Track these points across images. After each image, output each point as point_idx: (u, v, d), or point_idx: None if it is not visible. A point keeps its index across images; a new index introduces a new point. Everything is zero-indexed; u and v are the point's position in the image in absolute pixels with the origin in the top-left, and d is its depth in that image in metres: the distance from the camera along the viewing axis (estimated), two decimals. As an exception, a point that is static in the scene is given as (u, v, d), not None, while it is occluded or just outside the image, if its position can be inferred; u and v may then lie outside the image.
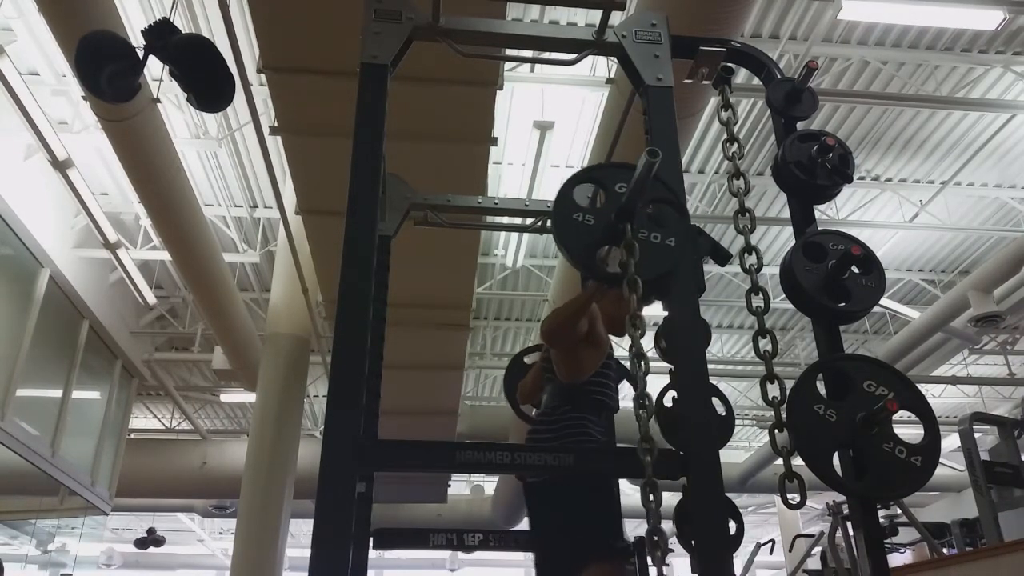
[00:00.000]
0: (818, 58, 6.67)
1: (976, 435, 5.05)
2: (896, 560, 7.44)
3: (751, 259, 1.88)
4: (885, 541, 6.11)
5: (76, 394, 8.10)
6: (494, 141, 4.75)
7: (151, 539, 14.58)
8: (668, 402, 2.71)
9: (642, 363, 1.59)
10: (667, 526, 1.49)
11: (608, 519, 2.43)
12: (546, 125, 6.49)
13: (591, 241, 1.69)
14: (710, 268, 8.68)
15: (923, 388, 2.77)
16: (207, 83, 3.48)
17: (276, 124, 4.52)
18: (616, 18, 1.97)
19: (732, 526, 2.42)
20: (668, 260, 1.70)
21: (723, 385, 9.94)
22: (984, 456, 4.94)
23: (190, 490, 11.89)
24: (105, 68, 3.33)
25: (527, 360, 3.25)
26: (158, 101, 5.22)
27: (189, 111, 7.05)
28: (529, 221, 3.06)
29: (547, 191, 7.50)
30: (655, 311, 1.74)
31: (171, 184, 5.89)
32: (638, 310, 1.62)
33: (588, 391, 2.61)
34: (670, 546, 1.47)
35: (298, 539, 16.13)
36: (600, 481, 2.42)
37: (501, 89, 4.41)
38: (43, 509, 9.46)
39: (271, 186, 5.73)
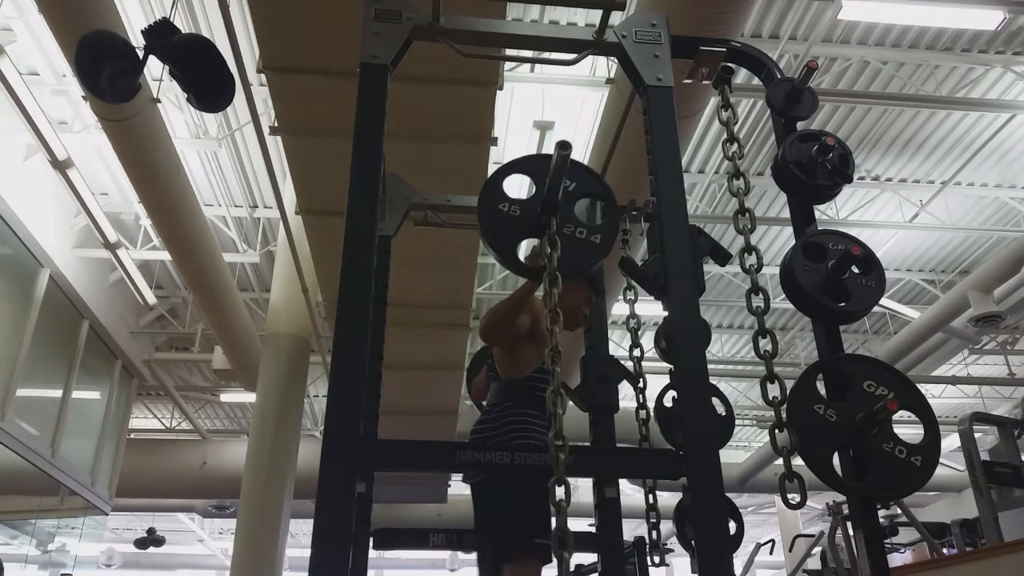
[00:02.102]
0: (818, 58, 6.67)
1: (976, 435, 5.05)
2: (896, 560, 7.45)
3: (751, 259, 1.88)
4: (885, 541, 6.11)
5: (76, 394, 8.10)
6: (494, 141, 4.74)
7: (151, 539, 14.59)
8: (668, 402, 2.72)
9: (558, 360, 1.56)
10: (667, 526, 1.49)
11: (531, 517, 2.44)
12: (546, 125, 6.49)
13: (514, 232, 1.70)
14: (710, 268, 8.68)
15: (923, 388, 2.77)
16: (207, 83, 3.48)
17: (276, 124, 4.52)
18: (616, 18, 1.97)
19: (732, 526, 2.42)
20: (591, 256, 1.71)
21: (723, 385, 9.94)
22: (984, 456, 4.94)
23: (190, 490, 11.89)
24: (105, 68, 3.33)
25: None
26: (158, 101, 5.22)
27: (189, 111, 7.05)
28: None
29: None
30: (655, 311, 1.75)
31: (171, 184, 5.89)
32: (557, 304, 1.60)
33: (529, 387, 2.61)
34: (670, 546, 1.47)
35: (298, 539, 16.13)
36: (527, 480, 2.42)
37: (501, 89, 4.40)
38: (43, 509, 9.45)
39: (271, 186, 5.73)
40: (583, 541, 2.85)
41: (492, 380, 2.72)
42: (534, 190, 1.78)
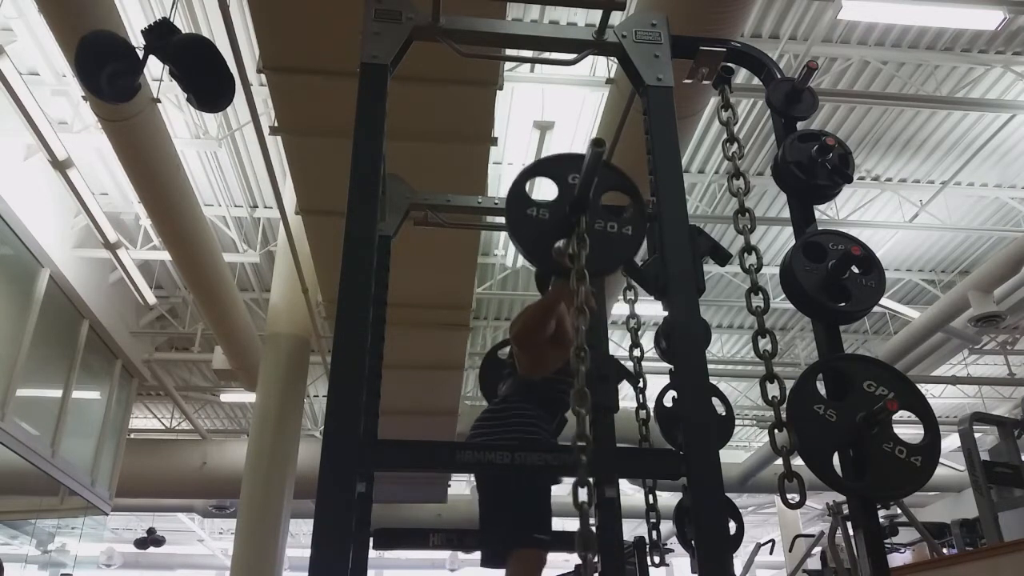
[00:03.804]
0: (818, 58, 6.67)
1: (976, 435, 5.05)
2: (896, 560, 7.45)
3: (751, 259, 1.88)
4: (885, 541, 6.10)
5: (76, 394, 8.09)
6: (494, 141, 4.74)
7: (151, 539, 14.59)
8: (668, 402, 2.72)
9: (584, 360, 1.57)
10: (667, 526, 1.49)
11: (533, 511, 2.46)
12: (546, 125, 6.49)
13: (545, 235, 1.70)
14: (710, 268, 8.68)
15: (923, 388, 2.77)
16: (207, 83, 3.48)
17: (276, 124, 4.52)
18: (616, 18, 1.97)
19: (732, 526, 2.42)
20: (625, 249, 1.71)
21: (723, 385, 9.94)
22: (984, 456, 4.94)
23: (190, 490, 11.89)
24: (105, 68, 3.33)
25: (501, 355, 3.24)
26: (158, 101, 5.22)
27: (189, 111, 7.05)
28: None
29: (547, 191, 7.49)
30: (655, 311, 1.75)
31: (171, 184, 5.89)
32: (586, 301, 1.60)
33: (545, 388, 2.62)
34: (670, 546, 1.46)
35: (298, 539, 16.13)
36: (529, 477, 2.44)
37: (501, 89, 4.40)
38: (43, 509, 9.46)
39: (271, 186, 5.73)
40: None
41: (508, 376, 2.71)
42: (555, 191, 1.78)
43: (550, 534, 2.50)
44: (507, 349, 3.07)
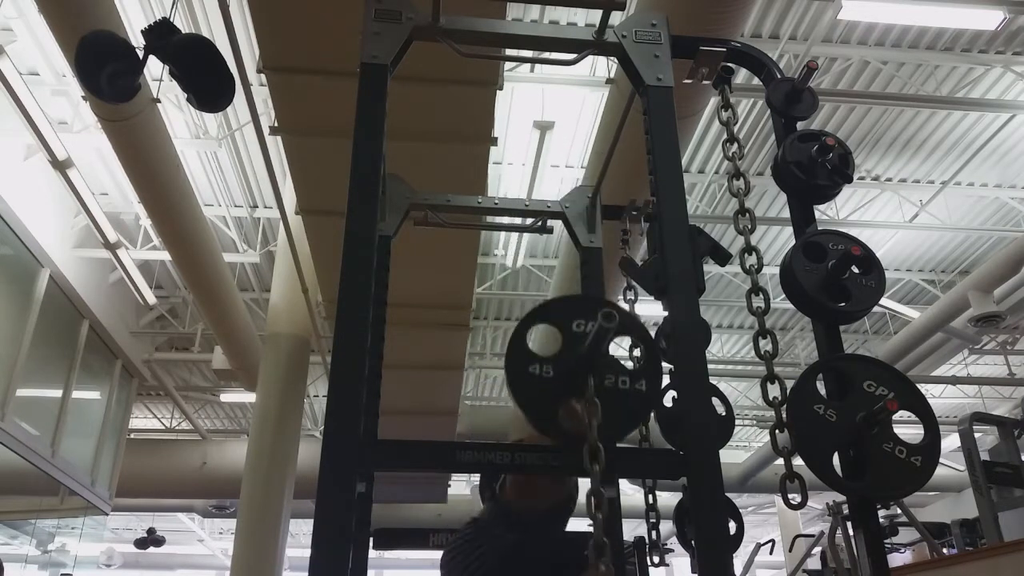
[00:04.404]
0: (818, 58, 6.67)
1: (976, 435, 5.05)
2: (896, 560, 7.45)
3: (751, 259, 1.88)
4: (885, 541, 6.10)
5: (76, 394, 8.10)
6: (494, 141, 4.74)
7: (151, 539, 14.60)
8: (668, 402, 2.71)
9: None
10: (667, 526, 1.49)
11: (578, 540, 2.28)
12: (546, 125, 6.49)
13: (551, 397, 1.50)
14: (710, 268, 8.68)
15: (923, 388, 2.77)
16: (207, 83, 3.48)
17: (276, 124, 4.52)
18: (616, 18, 1.97)
19: (732, 526, 2.42)
20: (639, 409, 1.55)
21: (723, 385, 9.94)
22: (984, 456, 4.94)
23: (190, 490, 11.89)
24: (105, 68, 3.33)
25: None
26: (158, 101, 5.22)
27: (189, 111, 7.06)
28: (529, 221, 3.06)
29: (547, 191, 7.50)
30: (655, 311, 1.74)
31: (171, 184, 5.89)
32: (600, 485, 1.39)
33: (527, 523, 2.19)
34: (670, 546, 1.45)
35: (298, 539, 16.14)
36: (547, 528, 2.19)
37: (501, 89, 4.40)
38: (43, 509, 9.46)
39: (271, 186, 5.73)
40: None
41: (489, 497, 2.34)
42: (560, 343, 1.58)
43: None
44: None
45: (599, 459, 1.42)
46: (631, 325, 1.68)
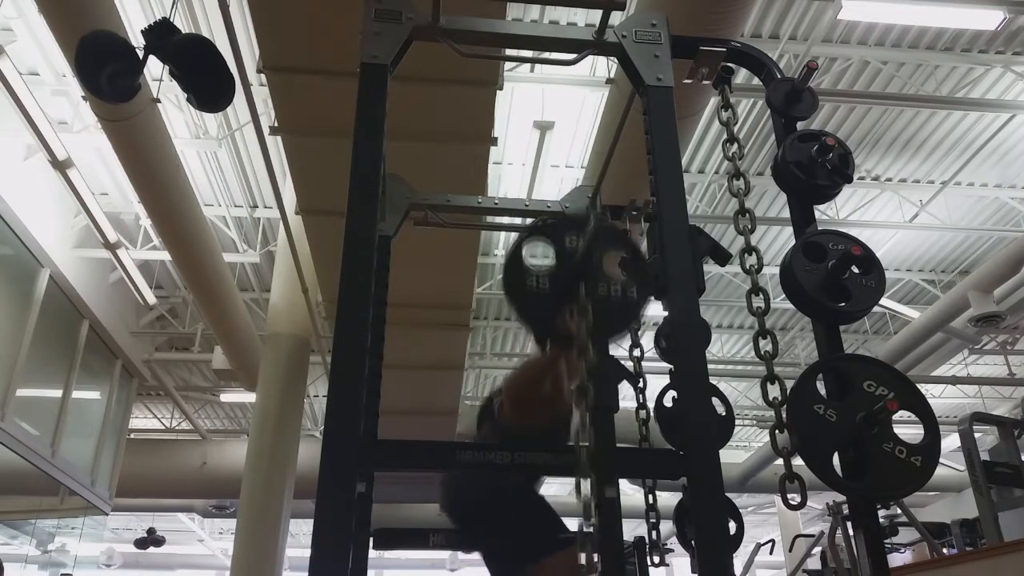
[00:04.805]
0: (818, 58, 6.67)
1: (976, 435, 5.05)
2: (896, 560, 7.45)
3: (751, 259, 1.88)
4: (885, 541, 6.11)
5: (76, 394, 8.09)
6: (494, 141, 4.74)
7: (151, 539, 14.59)
8: (668, 402, 2.71)
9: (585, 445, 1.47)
10: (667, 526, 1.49)
11: (546, 515, 2.42)
12: (546, 125, 6.49)
13: (549, 306, 1.64)
14: (710, 268, 8.68)
15: (923, 388, 2.77)
16: (207, 83, 3.48)
17: (276, 124, 4.52)
18: (616, 18, 1.97)
19: (732, 526, 2.42)
20: (628, 314, 1.68)
21: (723, 385, 9.94)
22: (984, 456, 4.94)
23: (190, 490, 11.89)
24: (105, 68, 3.33)
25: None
26: (158, 101, 5.22)
27: (189, 111, 7.05)
28: (529, 221, 3.06)
29: (547, 191, 7.50)
30: (655, 311, 1.74)
31: (171, 184, 5.89)
32: (588, 376, 1.50)
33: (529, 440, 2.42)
34: (670, 546, 1.46)
35: (298, 539, 16.13)
36: (528, 494, 2.39)
37: (501, 89, 4.40)
38: (43, 509, 9.46)
39: (271, 186, 5.73)
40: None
41: (487, 419, 2.57)
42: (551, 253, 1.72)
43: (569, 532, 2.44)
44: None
45: (588, 356, 1.53)
46: (619, 236, 1.79)
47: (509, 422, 2.42)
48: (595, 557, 1.39)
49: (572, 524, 2.34)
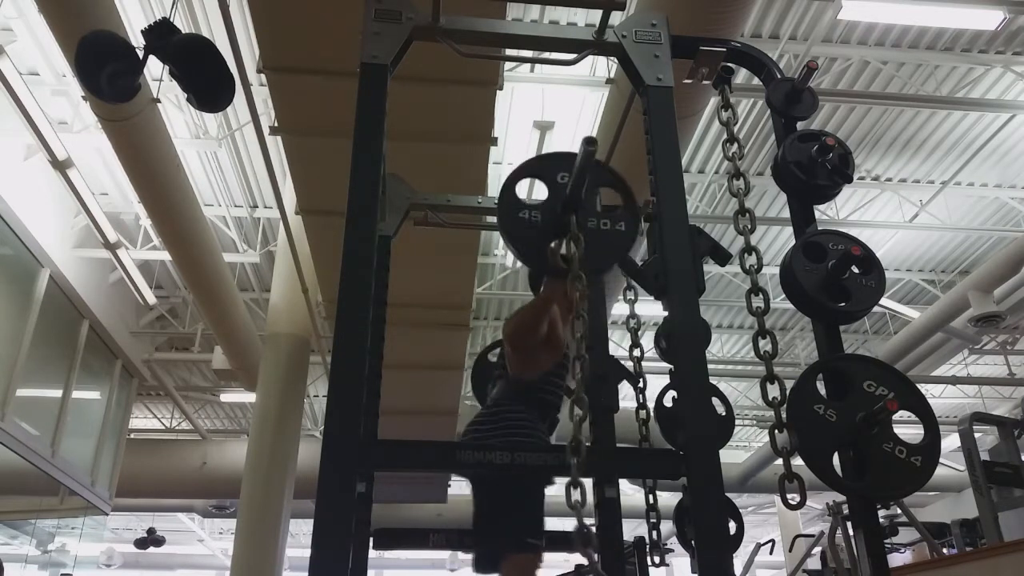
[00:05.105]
0: (818, 58, 6.67)
1: (976, 435, 5.05)
2: (896, 560, 7.45)
3: (751, 259, 1.88)
4: (885, 541, 6.10)
5: (76, 394, 8.09)
6: (494, 141, 4.74)
7: (151, 539, 14.59)
8: (668, 402, 2.71)
9: (581, 364, 1.57)
10: (667, 526, 1.49)
11: (526, 515, 2.42)
12: (546, 125, 6.49)
13: (540, 237, 1.70)
14: (710, 268, 8.68)
15: (923, 388, 2.77)
16: (207, 83, 3.48)
17: (276, 124, 4.52)
18: (616, 18, 1.97)
19: (732, 526, 2.42)
20: (619, 246, 1.72)
21: (723, 385, 9.94)
22: (984, 456, 4.94)
23: (190, 490, 11.89)
24: (105, 68, 3.33)
25: (491, 357, 3.19)
26: (158, 101, 5.22)
27: (189, 111, 7.05)
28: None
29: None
30: (655, 311, 1.74)
31: (171, 184, 5.89)
32: (583, 304, 1.59)
33: (536, 389, 2.57)
34: (670, 546, 1.47)
35: (298, 539, 16.13)
36: (522, 480, 2.40)
37: (501, 89, 4.40)
38: (43, 509, 9.46)
39: (271, 186, 5.73)
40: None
41: (498, 378, 2.67)
42: (545, 192, 1.77)
43: (542, 538, 2.48)
44: (498, 351, 3.03)
45: (582, 286, 1.59)
46: (607, 171, 1.83)
47: (520, 372, 2.54)
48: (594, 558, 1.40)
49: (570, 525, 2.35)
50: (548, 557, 2.54)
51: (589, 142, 1.56)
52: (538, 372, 2.56)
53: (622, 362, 3.06)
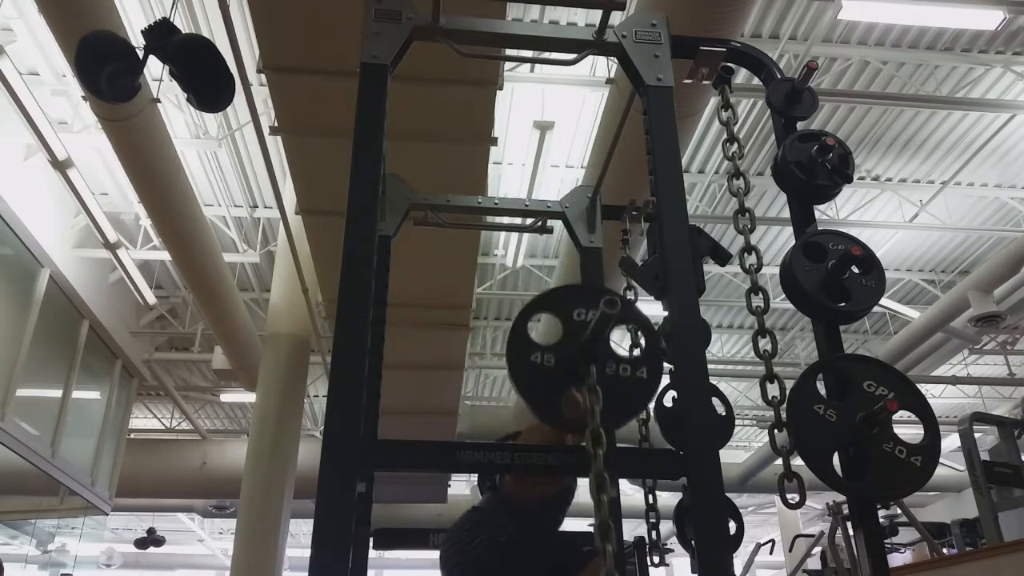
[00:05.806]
0: (818, 58, 6.67)
1: (976, 435, 5.05)
2: (896, 560, 7.45)
3: (751, 259, 1.88)
4: (885, 541, 6.11)
5: (76, 394, 8.10)
6: (494, 141, 4.74)
7: (151, 539, 14.60)
8: (668, 402, 2.71)
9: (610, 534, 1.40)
10: (667, 526, 1.48)
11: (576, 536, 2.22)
12: (546, 125, 6.48)
13: (554, 386, 1.52)
14: (710, 268, 8.68)
15: (923, 388, 2.77)
16: (207, 83, 3.48)
17: (276, 124, 4.52)
18: (616, 18, 1.97)
19: (732, 526, 2.42)
20: (641, 397, 1.57)
21: (723, 385, 9.94)
22: (984, 456, 4.94)
23: (190, 490, 11.89)
24: (105, 68, 3.33)
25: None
26: (158, 101, 5.22)
27: (189, 111, 7.05)
28: (529, 221, 3.06)
29: (547, 191, 7.50)
30: (655, 311, 1.73)
31: (171, 184, 5.89)
32: (604, 470, 1.41)
33: (532, 514, 2.21)
34: (670, 546, 1.45)
35: (298, 539, 16.13)
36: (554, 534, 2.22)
37: (501, 89, 4.40)
38: (43, 509, 9.46)
39: (271, 186, 5.73)
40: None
41: (488, 488, 2.36)
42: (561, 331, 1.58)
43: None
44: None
45: (602, 444, 1.44)
46: (632, 313, 1.69)
47: (511, 491, 2.23)
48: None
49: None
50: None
51: (610, 304, 1.39)
52: (534, 499, 2.22)
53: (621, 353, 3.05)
